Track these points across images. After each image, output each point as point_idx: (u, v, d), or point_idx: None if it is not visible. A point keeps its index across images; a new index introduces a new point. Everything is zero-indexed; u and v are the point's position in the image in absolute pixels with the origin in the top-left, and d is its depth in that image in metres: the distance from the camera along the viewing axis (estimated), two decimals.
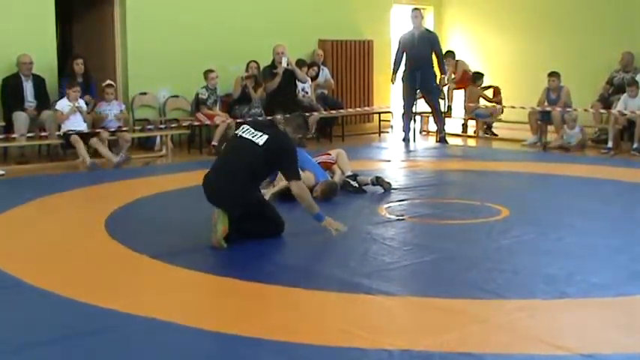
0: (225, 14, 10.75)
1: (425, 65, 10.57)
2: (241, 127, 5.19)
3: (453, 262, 4.52)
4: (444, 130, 10.86)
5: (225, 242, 4.81)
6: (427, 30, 10.95)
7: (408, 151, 10.13)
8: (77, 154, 8.45)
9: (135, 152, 9.29)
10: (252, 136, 4.97)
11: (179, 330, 3.39)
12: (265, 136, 4.93)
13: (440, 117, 10.89)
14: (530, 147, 10.27)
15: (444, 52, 11.11)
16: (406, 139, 10.80)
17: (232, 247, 4.81)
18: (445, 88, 11.88)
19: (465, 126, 12.13)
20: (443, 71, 11.09)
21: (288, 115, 5.58)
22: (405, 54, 10.69)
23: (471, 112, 11.55)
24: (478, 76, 11.70)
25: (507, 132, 11.69)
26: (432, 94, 10.82)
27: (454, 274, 4.29)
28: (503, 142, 11.14)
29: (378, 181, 6.86)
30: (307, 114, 9.89)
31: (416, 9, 11.02)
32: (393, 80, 10.99)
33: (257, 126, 5.13)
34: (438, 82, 11.03)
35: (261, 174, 5.14)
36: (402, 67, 10.80)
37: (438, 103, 11.06)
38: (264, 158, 4.91)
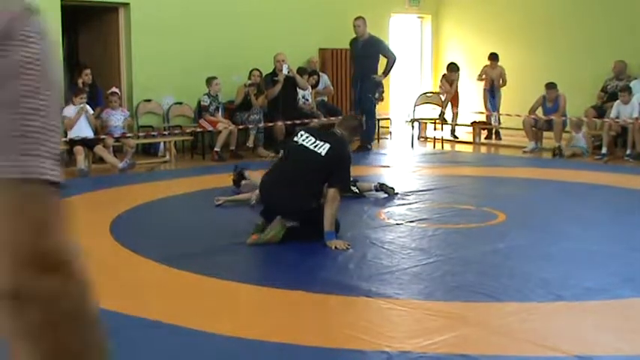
0: (228, 24, 10.85)
1: (364, 76, 10.46)
2: (300, 135, 5.17)
3: (450, 266, 4.54)
4: (372, 139, 10.69)
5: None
6: (370, 36, 10.58)
7: (406, 157, 10.16)
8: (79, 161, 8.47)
9: (139, 158, 9.33)
10: (314, 146, 5.01)
11: (182, 332, 3.40)
12: (327, 145, 4.99)
13: (370, 127, 10.41)
14: (531, 154, 10.29)
15: (445, 62, 11.07)
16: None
17: (235, 252, 4.87)
18: (442, 97, 11.95)
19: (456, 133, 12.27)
20: (385, 73, 10.71)
21: (343, 117, 5.54)
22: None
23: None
24: (495, 56, 11.91)
25: (505, 138, 11.81)
26: (366, 105, 10.49)
27: (451, 277, 4.30)
28: (502, 149, 11.21)
29: (382, 187, 6.91)
30: (307, 120, 10.04)
31: (359, 17, 10.55)
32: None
33: (318, 135, 5.15)
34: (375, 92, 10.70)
35: (320, 183, 5.12)
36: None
37: (372, 114, 10.64)
38: (325, 167, 4.98)
